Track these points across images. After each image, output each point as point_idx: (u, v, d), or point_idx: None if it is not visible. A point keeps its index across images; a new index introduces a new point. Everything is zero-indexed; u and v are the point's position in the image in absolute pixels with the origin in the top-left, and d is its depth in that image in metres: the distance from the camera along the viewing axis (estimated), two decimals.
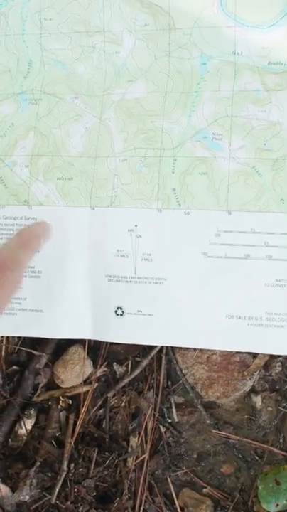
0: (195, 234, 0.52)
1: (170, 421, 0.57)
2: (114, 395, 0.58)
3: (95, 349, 0.58)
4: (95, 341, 0.58)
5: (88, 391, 0.58)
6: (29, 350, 0.59)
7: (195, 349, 0.56)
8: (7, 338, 0.59)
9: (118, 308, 0.53)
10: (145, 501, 0.57)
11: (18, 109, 0.57)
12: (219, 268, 0.52)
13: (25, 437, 0.59)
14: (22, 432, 0.59)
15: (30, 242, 0.47)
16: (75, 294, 0.55)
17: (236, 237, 0.52)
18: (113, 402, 0.58)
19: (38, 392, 0.59)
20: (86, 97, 0.56)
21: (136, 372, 0.57)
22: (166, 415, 0.57)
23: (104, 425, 0.58)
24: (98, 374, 0.58)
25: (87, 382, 0.58)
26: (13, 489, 0.58)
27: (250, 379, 0.55)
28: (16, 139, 0.57)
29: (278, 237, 0.51)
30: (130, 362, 0.58)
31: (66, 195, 0.55)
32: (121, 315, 0.53)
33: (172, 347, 0.56)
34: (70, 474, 0.56)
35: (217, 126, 0.53)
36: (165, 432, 0.57)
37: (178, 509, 0.56)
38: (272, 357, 0.55)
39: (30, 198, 0.56)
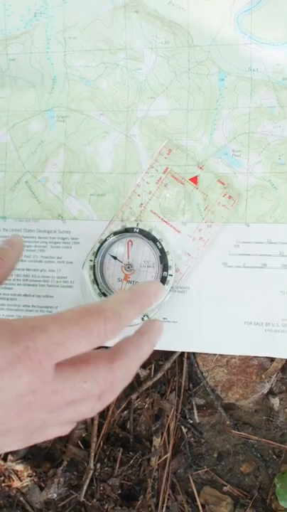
0: (216, 245, 0.61)
1: (191, 422, 0.66)
2: (137, 397, 0.67)
3: None
4: None
5: None
6: None
7: (215, 353, 0.64)
8: None
9: (144, 315, 0.62)
10: (168, 499, 0.65)
11: (47, 126, 0.65)
12: (238, 277, 0.61)
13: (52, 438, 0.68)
14: None
15: (141, 300, 0.43)
16: None
17: (254, 247, 0.60)
18: (137, 404, 0.67)
19: None
20: (111, 113, 0.64)
21: (159, 375, 0.65)
22: (188, 416, 0.66)
23: (128, 426, 0.67)
24: None
25: None
26: (41, 487, 0.67)
27: (268, 381, 0.64)
28: (47, 156, 0.65)
29: None
30: (153, 365, 0.66)
31: (100, 210, 0.64)
32: None
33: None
34: (96, 473, 0.65)
35: (236, 143, 0.61)
36: (186, 432, 0.66)
37: (199, 506, 0.65)
38: None
39: (63, 212, 0.64)
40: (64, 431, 0.41)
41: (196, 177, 0.62)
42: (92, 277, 0.62)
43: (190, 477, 0.65)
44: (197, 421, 0.66)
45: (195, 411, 0.66)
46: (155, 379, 0.66)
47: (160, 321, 0.46)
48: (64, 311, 0.36)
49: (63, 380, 0.35)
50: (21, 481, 0.68)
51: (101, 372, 0.37)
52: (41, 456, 0.68)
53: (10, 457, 0.67)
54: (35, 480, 0.67)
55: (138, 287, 0.44)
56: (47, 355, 0.33)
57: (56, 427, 0.39)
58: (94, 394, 0.37)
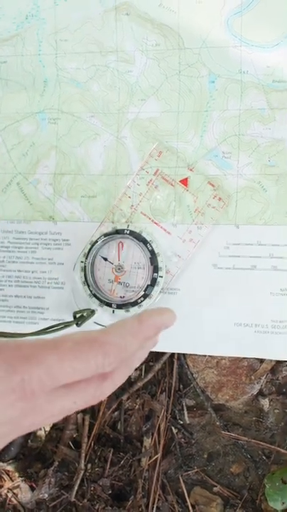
0: (207, 247, 0.61)
1: (181, 423, 0.67)
2: (128, 398, 0.67)
3: None
4: None
5: None
6: None
7: (205, 354, 0.65)
8: None
9: None
10: (158, 499, 0.66)
11: (38, 128, 0.66)
12: (228, 278, 0.61)
13: (43, 438, 0.68)
14: (41, 433, 0.68)
15: (148, 332, 0.40)
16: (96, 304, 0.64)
17: (244, 249, 0.61)
18: (127, 405, 0.67)
19: None
20: (102, 115, 0.65)
21: (149, 376, 0.66)
22: (178, 417, 0.66)
23: (119, 427, 0.67)
24: None
25: None
26: (33, 488, 0.68)
27: (257, 383, 0.64)
28: (38, 157, 0.66)
29: (283, 249, 0.60)
30: (143, 366, 0.67)
31: (91, 211, 0.65)
32: None
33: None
34: (87, 473, 0.66)
35: (226, 145, 0.62)
36: (177, 433, 0.66)
37: (190, 507, 0.65)
38: (279, 362, 0.64)
39: (55, 214, 0.65)
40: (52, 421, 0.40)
41: (186, 179, 0.62)
42: (83, 279, 0.63)
43: (180, 477, 0.66)
44: (188, 422, 0.66)
45: (185, 412, 0.66)
46: (145, 380, 0.66)
47: (157, 338, 0.43)
48: (63, 338, 0.35)
49: (54, 401, 0.35)
50: (12, 481, 0.68)
51: (90, 391, 0.37)
52: (32, 457, 0.68)
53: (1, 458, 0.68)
54: (27, 480, 0.68)
55: (148, 317, 0.40)
56: (42, 386, 0.33)
57: (46, 420, 0.38)
58: (81, 406, 0.38)
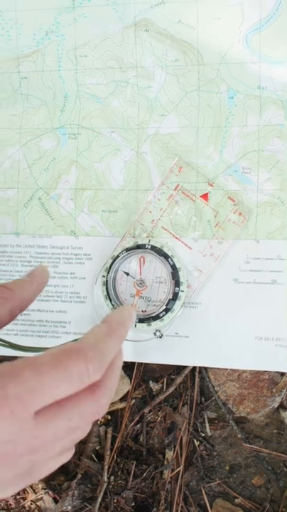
0: (227, 261, 0.63)
1: (203, 435, 0.68)
2: (150, 411, 0.69)
3: (132, 367, 0.69)
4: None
5: (126, 407, 0.69)
6: None
7: (226, 368, 0.66)
8: None
9: (157, 330, 0.64)
10: (181, 511, 0.67)
11: (59, 143, 0.67)
12: (249, 293, 0.63)
13: None
14: None
15: (118, 330, 0.39)
16: None
17: (264, 263, 0.62)
18: (149, 418, 0.69)
19: None
20: (122, 130, 0.66)
21: (171, 389, 0.67)
22: (200, 430, 0.68)
23: (141, 439, 0.69)
24: (135, 391, 0.69)
25: (124, 398, 0.69)
26: (56, 500, 0.69)
27: (278, 395, 0.66)
28: (59, 173, 0.67)
29: None
30: (165, 379, 0.68)
31: (112, 226, 0.66)
32: (160, 337, 0.64)
33: None
34: (110, 486, 0.67)
35: (246, 160, 0.63)
36: (198, 445, 0.68)
37: None
38: None
39: (76, 228, 0.67)
40: (63, 460, 0.38)
41: (206, 194, 0.64)
42: (105, 293, 0.64)
43: (203, 489, 0.67)
44: (209, 434, 0.68)
45: (207, 424, 0.68)
46: (167, 393, 0.68)
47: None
48: (40, 354, 0.33)
49: (45, 424, 0.33)
50: (36, 493, 0.70)
51: (85, 406, 0.35)
52: (55, 469, 0.70)
53: None
54: (50, 493, 0.69)
55: (111, 318, 0.40)
56: (22, 403, 0.31)
57: (50, 460, 0.36)
58: (81, 426, 0.36)
